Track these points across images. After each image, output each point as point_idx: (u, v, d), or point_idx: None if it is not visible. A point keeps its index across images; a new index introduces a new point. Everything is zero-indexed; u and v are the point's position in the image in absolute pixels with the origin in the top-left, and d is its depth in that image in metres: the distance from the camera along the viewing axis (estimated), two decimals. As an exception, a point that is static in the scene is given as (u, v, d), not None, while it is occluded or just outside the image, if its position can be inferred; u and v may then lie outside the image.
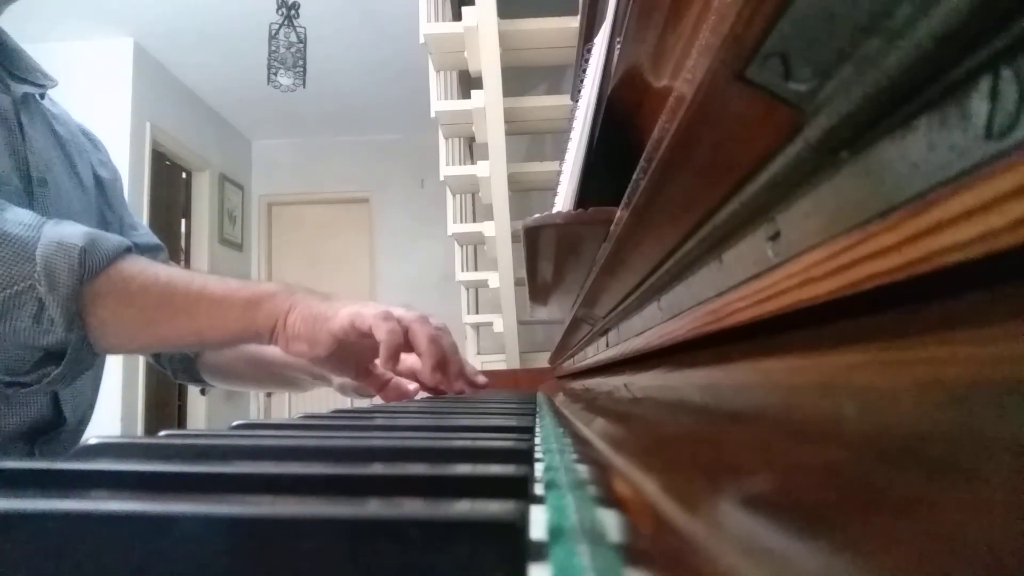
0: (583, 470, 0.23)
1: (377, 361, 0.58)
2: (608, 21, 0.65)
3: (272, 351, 0.74)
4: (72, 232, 0.52)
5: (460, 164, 2.46)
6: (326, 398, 3.00)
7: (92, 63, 3.46)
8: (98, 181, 0.81)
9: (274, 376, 0.81)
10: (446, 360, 0.61)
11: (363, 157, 4.75)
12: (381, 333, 0.55)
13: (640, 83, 0.55)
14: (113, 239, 0.54)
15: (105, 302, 0.52)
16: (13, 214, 0.51)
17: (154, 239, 0.89)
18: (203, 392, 0.88)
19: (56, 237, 0.51)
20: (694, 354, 0.25)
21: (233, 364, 0.82)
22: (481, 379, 0.68)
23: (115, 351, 0.60)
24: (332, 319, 0.56)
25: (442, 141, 2.40)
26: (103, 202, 0.80)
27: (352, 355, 0.59)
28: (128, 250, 0.55)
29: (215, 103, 4.29)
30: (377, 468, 0.17)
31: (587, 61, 0.67)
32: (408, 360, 0.67)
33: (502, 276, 2.11)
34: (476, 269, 2.73)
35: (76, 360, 0.53)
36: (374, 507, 0.13)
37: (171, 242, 3.98)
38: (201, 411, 3.94)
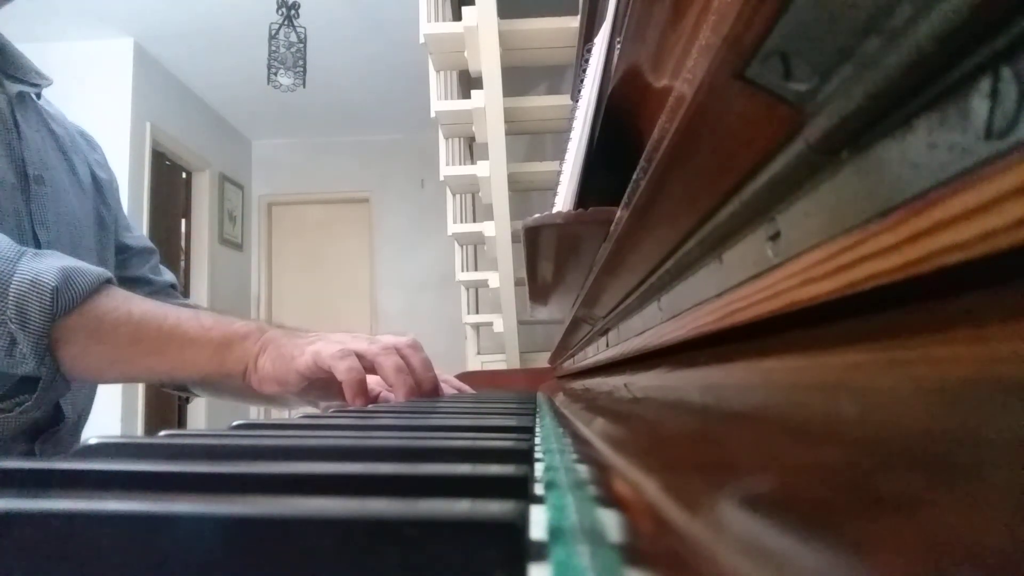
0: (583, 470, 0.23)
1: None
2: (608, 21, 0.65)
3: None
4: (48, 268, 0.52)
5: (460, 164, 2.46)
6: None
7: (92, 63, 3.46)
8: (96, 181, 0.81)
9: (261, 395, 0.81)
10: (419, 384, 0.61)
11: (363, 157, 4.75)
12: (340, 374, 0.56)
13: (640, 83, 0.55)
14: (90, 274, 0.54)
15: (76, 339, 0.53)
16: None
17: (147, 243, 0.89)
18: (188, 401, 0.88)
19: (31, 273, 0.51)
20: (694, 354, 0.25)
21: (222, 379, 0.82)
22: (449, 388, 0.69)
23: (89, 382, 0.60)
24: (298, 358, 0.57)
25: (442, 141, 2.40)
26: (100, 202, 0.80)
27: (332, 383, 0.59)
28: (108, 282, 0.55)
29: (215, 103, 4.29)
30: (377, 468, 0.17)
31: (587, 61, 0.67)
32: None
33: (502, 276, 2.11)
34: (476, 269, 2.73)
35: (48, 389, 0.54)
36: (373, 507, 0.13)
37: (171, 242, 3.98)
38: (201, 411, 3.94)
